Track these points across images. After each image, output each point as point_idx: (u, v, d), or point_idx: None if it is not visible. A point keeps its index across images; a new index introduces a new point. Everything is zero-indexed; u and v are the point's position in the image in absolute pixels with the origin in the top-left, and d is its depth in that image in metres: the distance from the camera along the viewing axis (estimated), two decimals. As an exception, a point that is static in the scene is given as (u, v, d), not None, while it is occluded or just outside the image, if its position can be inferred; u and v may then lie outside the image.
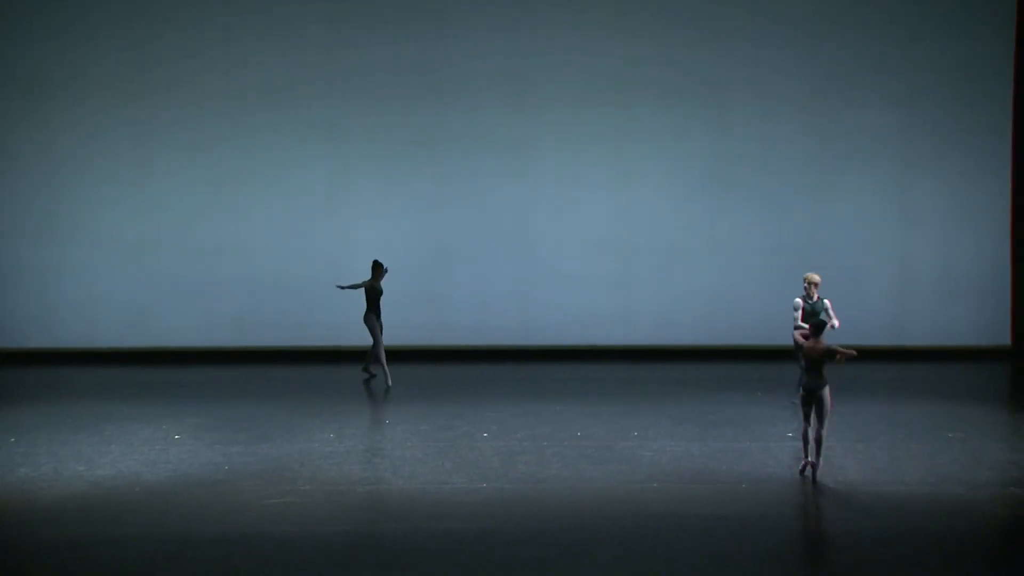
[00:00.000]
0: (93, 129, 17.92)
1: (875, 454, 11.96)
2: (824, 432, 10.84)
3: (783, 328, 18.23)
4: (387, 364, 15.45)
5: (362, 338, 16.24)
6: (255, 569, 8.75)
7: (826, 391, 10.80)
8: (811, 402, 10.81)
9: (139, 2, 17.89)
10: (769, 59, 18.26)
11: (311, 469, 11.29)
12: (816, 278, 14.09)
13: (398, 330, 16.18)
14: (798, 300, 14.09)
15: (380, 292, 15.46)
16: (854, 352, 10.86)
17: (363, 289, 15.46)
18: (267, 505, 10.15)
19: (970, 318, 18.55)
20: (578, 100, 18.21)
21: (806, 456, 10.98)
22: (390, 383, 15.36)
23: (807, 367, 10.96)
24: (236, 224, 18.10)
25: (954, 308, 18.54)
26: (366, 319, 15.42)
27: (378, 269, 15.51)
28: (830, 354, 10.75)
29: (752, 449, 11.87)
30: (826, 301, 14.04)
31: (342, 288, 15.50)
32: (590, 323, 18.37)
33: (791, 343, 18.14)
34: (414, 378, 16.10)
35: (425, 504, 10.22)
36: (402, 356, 16.76)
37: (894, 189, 18.47)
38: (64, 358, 17.85)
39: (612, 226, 18.37)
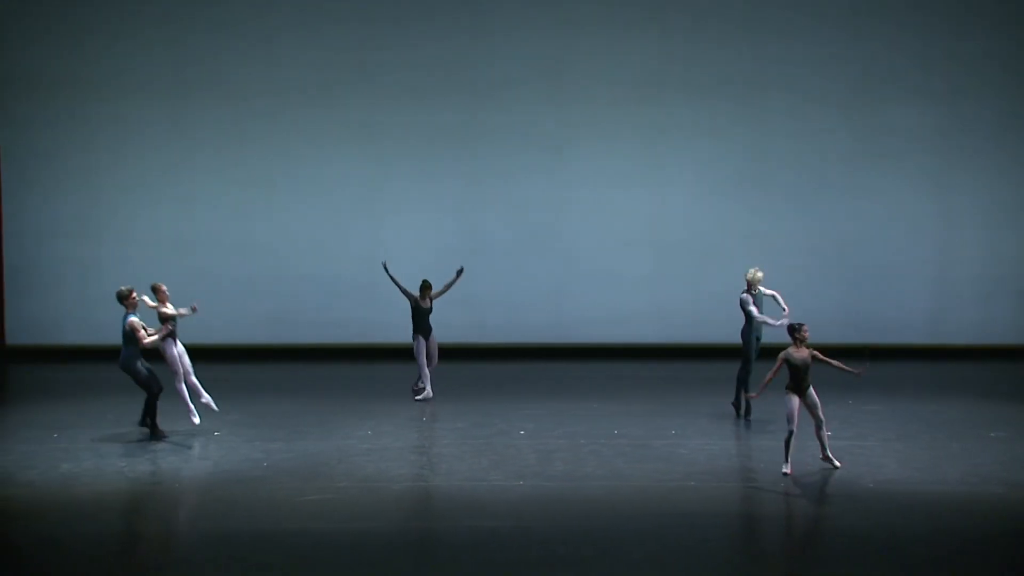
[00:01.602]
0: (130, 128, 18.10)
1: (915, 453, 11.86)
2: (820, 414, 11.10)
3: (820, 326, 18.13)
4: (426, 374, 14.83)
5: (396, 335, 16.29)
6: (293, 565, 8.80)
7: (812, 390, 11.03)
8: (801, 404, 11.00)
9: (176, 2, 18.04)
10: (805, 55, 18.16)
11: (348, 466, 11.34)
12: (758, 275, 13.64)
13: (433, 328, 16.18)
14: (746, 296, 13.59)
15: (422, 310, 14.77)
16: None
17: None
18: (305, 502, 10.20)
19: (1011, 316, 18.37)
20: (613, 97, 18.19)
21: (787, 461, 11.02)
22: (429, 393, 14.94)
23: (794, 373, 11.02)
24: (272, 222, 18.22)
25: (994, 306, 18.38)
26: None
27: (426, 290, 14.73)
28: (813, 360, 11.01)
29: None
30: (766, 293, 13.68)
31: (387, 271, 14.50)
32: (624, 321, 18.34)
33: (828, 341, 18.18)
34: (449, 376, 16.08)
35: (462, 501, 10.24)
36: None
37: (933, 186, 18.32)
38: (104, 354, 17.96)
39: (646, 224, 18.34)
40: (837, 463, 11.21)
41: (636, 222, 18.35)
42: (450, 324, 16.82)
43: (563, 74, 18.25)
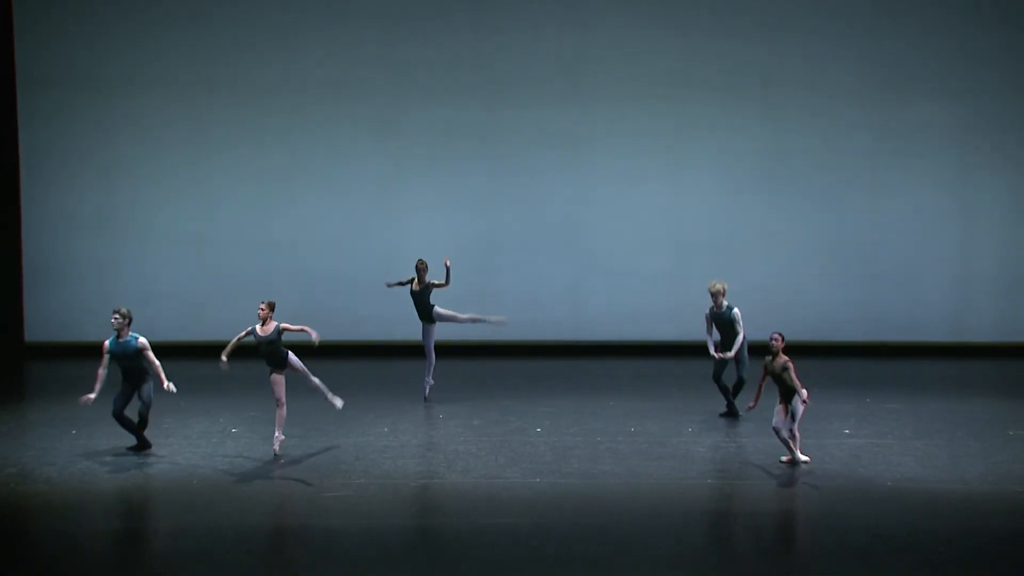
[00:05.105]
0: (149, 126, 18.14)
1: (934, 452, 11.79)
2: (795, 427, 11.10)
3: (840, 324, 18.13)
4: (430, 372, 14.63)
5: (414, 332, 16.32)
6: (310, 561, 8.83)
7: (795, 400, 10.99)
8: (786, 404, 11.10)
9: (195, 0, 18.09)
10: (824, 53, 18.06)
11: (365, 463, 11.36)
12: (718, 287, 13.32)
13: (451, 325, 16.18)
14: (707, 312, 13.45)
15: (417, 295, 14.66)
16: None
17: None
18: (322, 498, 10.22)
19: (1033, 314, 18.26)
20: (632, 95, 18.13)
21: (791, 450, 11.27)
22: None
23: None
24: (290, 219, 18.25)
25: (1015, 304, 18.24)
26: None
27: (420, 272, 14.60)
28: (784, 373, 11.07)
29: (808, 446, 11.72)
30: (736, 311, 13.31)
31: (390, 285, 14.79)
32: (642, 319, 18.29)
33: (848, 339, 18.17)
34: (466, 373, 16.12)
35: (478, 498, 10.25)
36: (455, 352, 16.78)
37: (953, 183, 18.19)
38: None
39: (665, 222, 18.28)
40: (787, 459, 11.19)
41: (655, 220, 18.29)
42: (468, 321, 16.85)
43: (582, 71, 18.20)
